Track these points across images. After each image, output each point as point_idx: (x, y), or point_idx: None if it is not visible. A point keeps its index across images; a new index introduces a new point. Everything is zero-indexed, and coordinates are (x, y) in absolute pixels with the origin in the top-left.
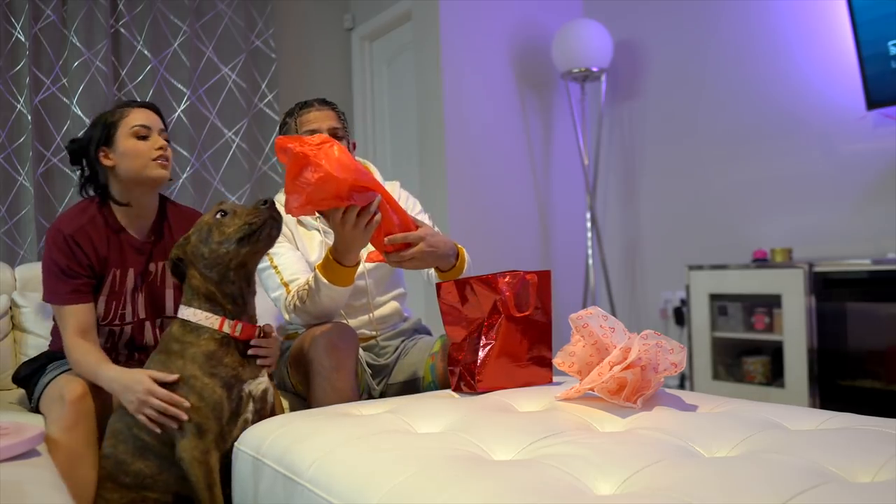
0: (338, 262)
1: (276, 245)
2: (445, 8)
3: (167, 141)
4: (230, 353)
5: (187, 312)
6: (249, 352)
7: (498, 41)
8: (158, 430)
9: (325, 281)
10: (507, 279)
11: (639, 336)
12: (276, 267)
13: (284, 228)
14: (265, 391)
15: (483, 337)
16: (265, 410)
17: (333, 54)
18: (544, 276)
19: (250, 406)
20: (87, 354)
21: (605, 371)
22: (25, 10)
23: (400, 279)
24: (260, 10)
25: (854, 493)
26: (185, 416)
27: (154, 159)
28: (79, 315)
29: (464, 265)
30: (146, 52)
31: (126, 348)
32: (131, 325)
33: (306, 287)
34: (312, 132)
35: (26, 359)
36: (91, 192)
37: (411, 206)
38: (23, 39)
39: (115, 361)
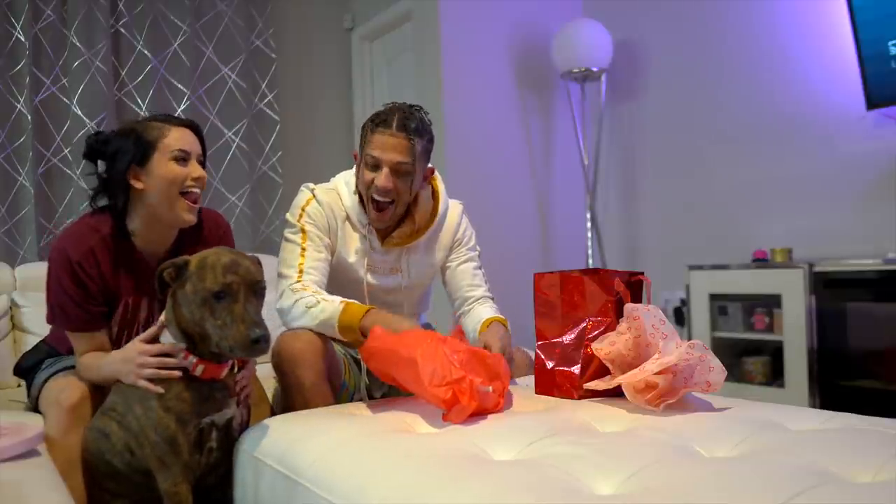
0: (361, 330)
1: (314, 231)
2: (445, 8)
3: (202, 164)
4: (191, 387)
5: (164, 337)
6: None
7: (498, 41)
8: (161, 391)
9: (336, 329)
10: (619, 279)
11: (687, 344)
12: (304, 249)
13: (331, 220)
14: (230, 419)
15: (588, 340)
16: (231, 436)
17: (333, 54)
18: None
19: (213, 434)
20: (92, 360)
21: (640, 374)
22: (25, 10)
23: (428, 299)
24: (260, 10)
25: (854, 493)
26: (177, 374)
27: (184, 193)
28: (94, 340)
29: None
30: (146, 52)
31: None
32: None
33: (318, 300)
34: (374, 160)
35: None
36: (100, 204)
37: (468, 236)
38: (23, 39)
39: None
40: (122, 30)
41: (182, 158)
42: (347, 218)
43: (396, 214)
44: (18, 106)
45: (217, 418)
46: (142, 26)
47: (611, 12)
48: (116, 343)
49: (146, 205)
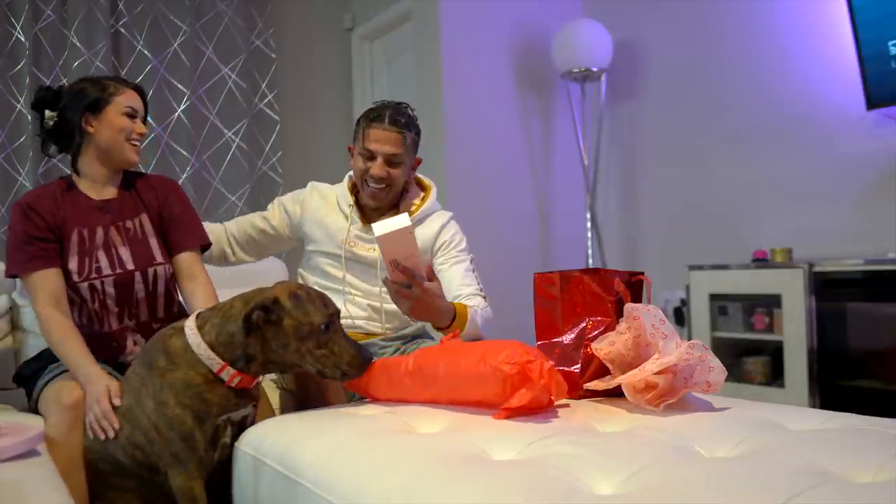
0: None
1: (276, 211)
2: (445, 8)
3: (144, 123)
4: (215, 390)
5: (194, 340)
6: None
7: (498, 41)
8: (94, 434)
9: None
10: (619, 279)
11: (687, 344)
12: (250, 216)
13: (310, 205)
14: (245, 416)
15: (588, 340)
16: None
17: (333, 54)
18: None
19: (228, 430)
20: (66, 336)
21: (640, 374)
22: (25, 10)
23: None
24: (260, 10)
25: (854, 493)
26: (110, 433)
27: (130, 140)
28: (48, 282)
29: (462, 327)
30: (146, 52)
31: (117, 306)
32: (114, 279)
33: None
34: (369, 153)
35: (26, 358)
36: (52, 153)
37: (457, 241)
38: (23, 39)
39: (110, 328)
40: (122, 30)
41: (131, 115)
42: (337, 202)
43: (390, 197)
44: (18, 106)
45: (233, 415)
46: (142, 26)
47: (611, 12)
48: (81, 272)
49: (95, 147)
